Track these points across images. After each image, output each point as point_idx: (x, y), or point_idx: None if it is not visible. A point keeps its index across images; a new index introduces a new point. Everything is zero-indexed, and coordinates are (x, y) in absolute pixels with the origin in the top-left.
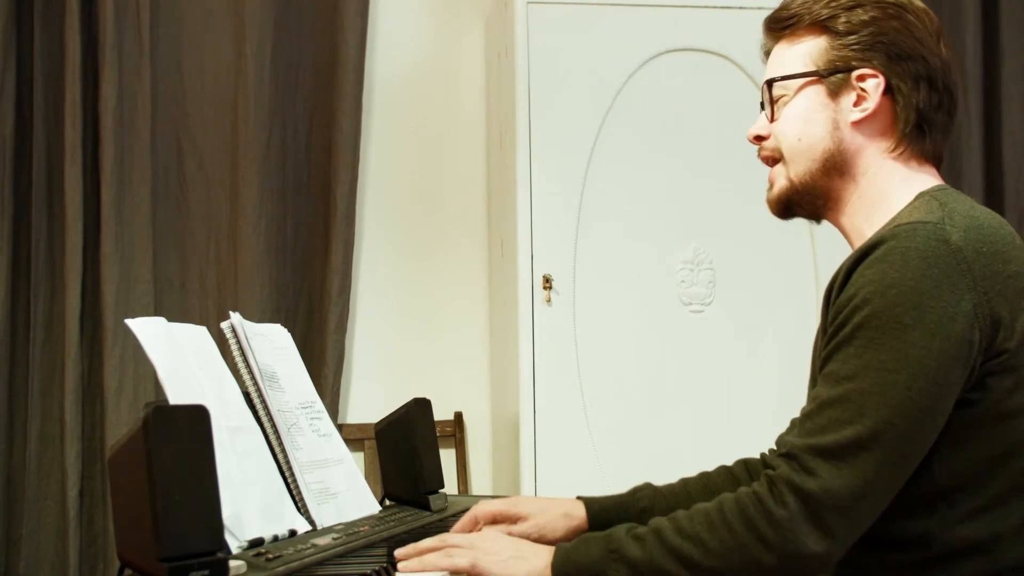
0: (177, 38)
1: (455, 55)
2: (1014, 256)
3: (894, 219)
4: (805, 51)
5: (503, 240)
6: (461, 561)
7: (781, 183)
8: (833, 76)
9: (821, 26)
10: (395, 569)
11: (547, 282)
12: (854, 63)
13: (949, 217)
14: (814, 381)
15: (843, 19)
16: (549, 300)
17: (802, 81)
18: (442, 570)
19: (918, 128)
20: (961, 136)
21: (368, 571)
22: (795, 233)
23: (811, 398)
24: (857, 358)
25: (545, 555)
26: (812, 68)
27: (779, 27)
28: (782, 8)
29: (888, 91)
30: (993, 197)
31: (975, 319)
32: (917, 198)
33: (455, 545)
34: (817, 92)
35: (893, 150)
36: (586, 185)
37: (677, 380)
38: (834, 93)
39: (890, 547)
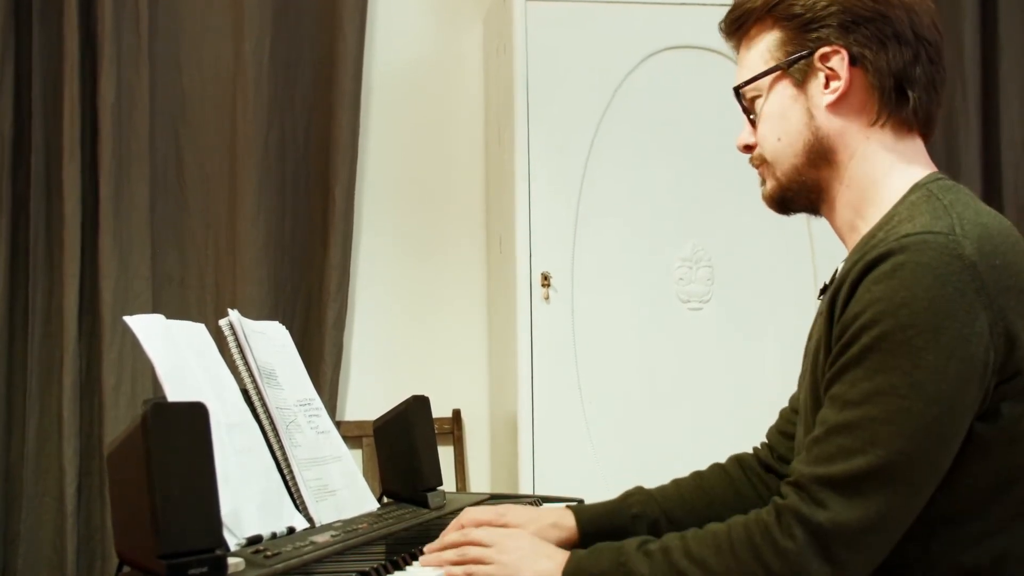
0: (176, 35)
1: (454, 52)
2: None
3: (892, 216)
4: (764, 48)
5: (502, 237)
6: (474, 552)
7: (771, 183)
8: (795, 65)
9: (771, 16)
10: (394, 567)
11: (545, 279)
12: (812, 45)
13: (960, 226)
14: (815, 395)
15: (788, 1)
16: (547, 297)
17: (769, 79)
18: (459, 564)
19: (898, 91)
20: (959, 134)
21: (367, 568)
22: (794, 231)
23: (819, 421)
24: (867, 381)
25: (558, 558)
26: (772, 64)
27: (733, 28)
28: (731, 8)
29: (855, 62)
30: (991, 195)
31: (990, 339)
32: (913, 191)
33: (474, 542)
34: (785, 86)
35: (876, 121)
36: (585, 182)
37: (675, 378)
38: (801, 82)
39: (890, 571)
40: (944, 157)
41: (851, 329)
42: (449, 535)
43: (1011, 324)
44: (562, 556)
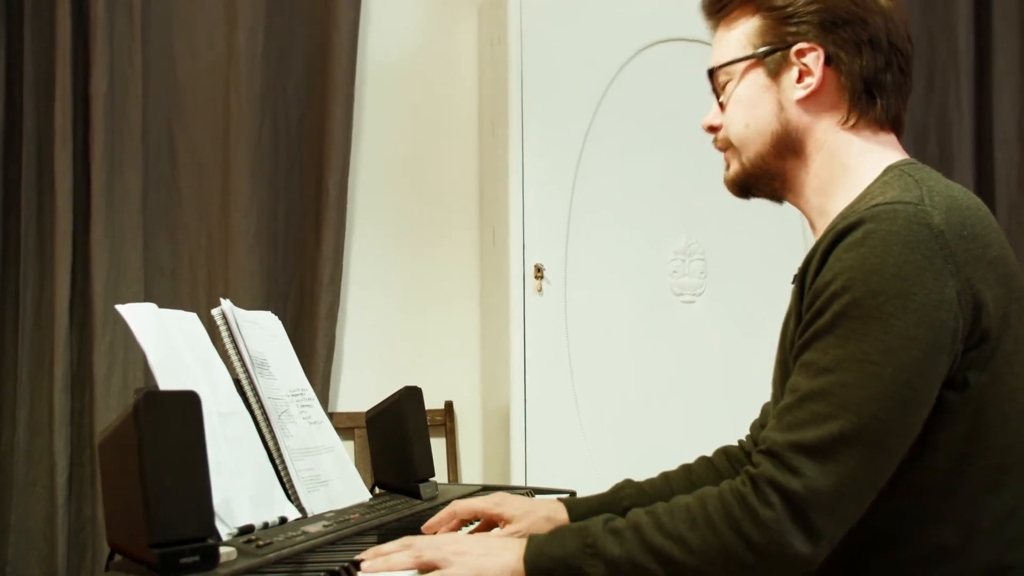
0: (169, 24)
1: (448, 43)
2: (993, 240)
3: (865, 195)
4: (742, 33)
5: (495, 229)
6: (429, 555)
7: (735, 166)
8: (771, 56)
9: (754, 4)
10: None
11: (539, 271)
12: (789, 39)
13: (929, 197)
14: (784, 367)
15: None
16: (540, 289)
17: (743, 65)
18: (410, 569)
19: (867, 94)
20: (952, 132)
21: (358, 559)
22: (787, 223)
23: (789, 389)
24: (838, 348)
25: (516, 548)
26: (749, 51)
27: (714, 9)
28: None
29: (829, 62)
30: (984, 192)
31: (958, 306)
32: (886, 172)
33: (420, 547)
34: (758, 75)
35: (845, 122)
36: (578, 175)
37: (668, 370)
38: (774, 73)
39: (857, 546)
40: (937, 153)
41: (822, 296)
42: (385, 546)
43: (978, 292)
44: (518, 543)
